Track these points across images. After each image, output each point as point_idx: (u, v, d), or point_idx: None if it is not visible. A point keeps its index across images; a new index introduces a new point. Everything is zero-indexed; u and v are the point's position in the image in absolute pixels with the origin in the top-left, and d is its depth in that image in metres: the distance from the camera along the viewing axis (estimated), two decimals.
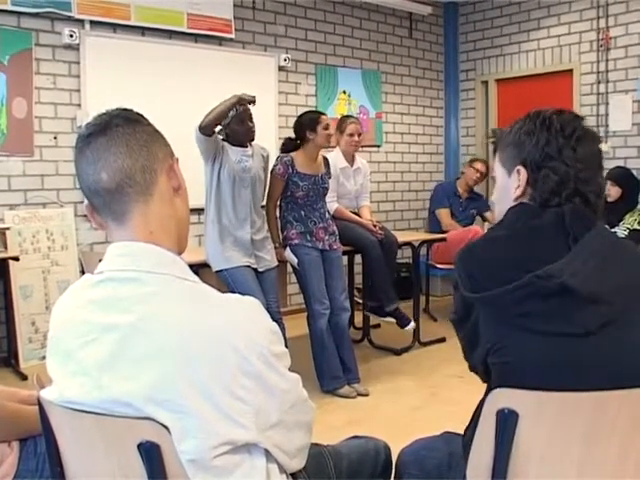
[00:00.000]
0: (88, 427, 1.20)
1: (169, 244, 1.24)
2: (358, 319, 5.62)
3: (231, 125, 3.86)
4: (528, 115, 1.54)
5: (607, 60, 6.44)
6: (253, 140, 3.98)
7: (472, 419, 1.49)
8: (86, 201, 1.27)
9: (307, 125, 4.23)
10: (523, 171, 1.49)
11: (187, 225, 1.34)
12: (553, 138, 1.46)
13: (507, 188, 1.54)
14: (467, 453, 1.37)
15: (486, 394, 1.36)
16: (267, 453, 1.20)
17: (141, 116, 1.30)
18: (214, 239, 3.83)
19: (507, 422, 1.25)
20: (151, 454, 1.12)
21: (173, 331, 1.12)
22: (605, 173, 5.16)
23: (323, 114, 4.34)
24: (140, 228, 1.23)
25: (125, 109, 1.29)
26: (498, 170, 1.58)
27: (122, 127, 1.23)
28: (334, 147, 4.98)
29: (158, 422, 1.11)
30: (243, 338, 1.13)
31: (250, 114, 3.89)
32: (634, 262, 1.42)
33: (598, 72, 6.51)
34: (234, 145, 3.92)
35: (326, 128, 4.22)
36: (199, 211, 4.41)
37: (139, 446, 1.13)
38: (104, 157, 1.20)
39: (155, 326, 1.12)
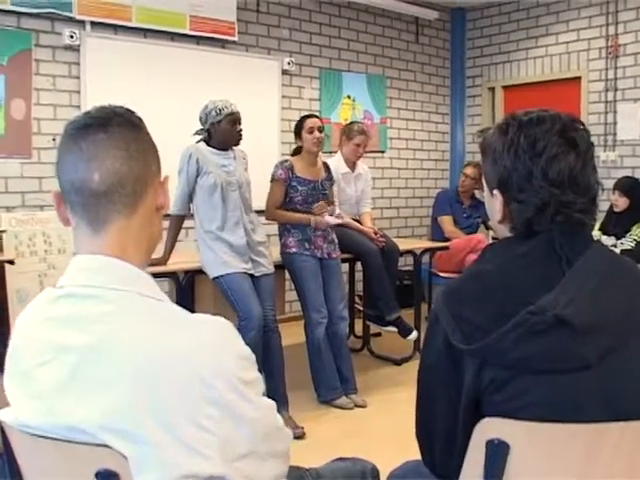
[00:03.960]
0: (45, 452, 1.12)
1: (137, 261, 1.16)
2: (359, 327, 5.54)
3: (222, 124, 3.68)
4: (500, 124, 1.38)
5: (616, 68, 6.35)
6: (238, 145, 3.84)
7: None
8: (56, 189, 1.18)
9: (295, 130, 4.20)
10: (499, 196, 1.35)
11: (157, 243, 1.26)
12: (520, 161, 1.30)
13: (490, 207, 1.41)
14: None
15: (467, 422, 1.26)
16: None
17: (141, 121, 1.21)
18: (208, 246, 3.72)
19: (497, 453, 1.17)
20: None
21: (133, 355, 1.03)
22: (613, 183, 5.08)
23: (310, 117, 4.23)
24: (115, 242, 1.14)
25: (128, 110, 1.20)
26: (484, 182, 1.44)
27: (125, 128, 1.15)
28: (334, 152, 4.90)
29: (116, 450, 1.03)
30: (210, 364, 1.05)
31: (240, 118, 3.78)
32: (633, 284, 1.31)
33: (607, 80, 6.41)
34: (215, 147, 3.76)
35: (311, 132, 4.11)
36: None
37: (97, 474, 1.05)
38: (101, 156, 1.12)
39: (114, 348, 1.04)
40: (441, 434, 1.31)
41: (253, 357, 1.14)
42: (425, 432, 1.37)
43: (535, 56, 7.01)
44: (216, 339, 1.09)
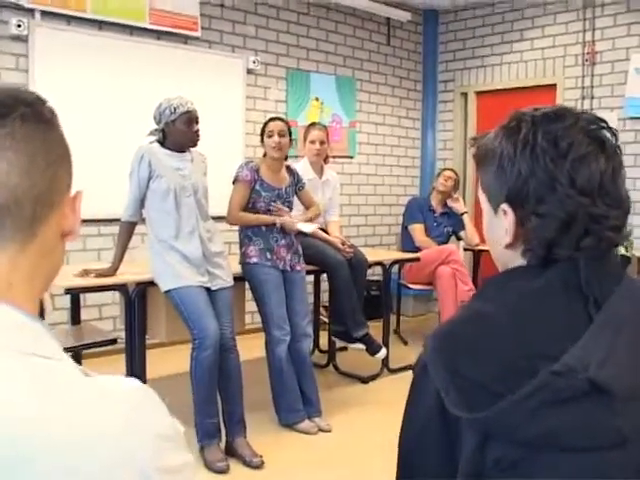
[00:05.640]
0: None
1: (28, 302, 0.84)
2: (324, 341, 5.25)
3: (176, 124, 3.38)
4: (506, 124, 1.09)
5: (592, 75, 6.16)
6: (195, 146, 3.53)
7: None
8: None
9: (261, 133, 3.94)
10: (510, 213, 1.04)
11: (55, 277, 0.93)
12: (539, 165, 1.00)
13: (493, 229, 1.10)
14: None
15: None
16: None
17: (54, 116, 0.86)
18: (161, 256, 3.40)
19: None
20: None
21: (9, 437, 0.72)
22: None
23: (273, 120, 3.93)
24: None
25: (39, 98, 0.84)
26: (481, 198, 1.13)
27: (31, 125, 0.80)
28: (301, 157, 4.62)
29: None
30: (114, 450, 0.74)
31: (197, 117, 3.47)
32: None
33: (583, 87, 6.22)
34: (170, 149, 3.45)
35: (270, 136, 3.83)
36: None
37: None
38: None
39: None
40: None
41: (180, 433, 0.83)
42: None
43: (510, 61, 6.80)
44: (124, 416, 0.77)
